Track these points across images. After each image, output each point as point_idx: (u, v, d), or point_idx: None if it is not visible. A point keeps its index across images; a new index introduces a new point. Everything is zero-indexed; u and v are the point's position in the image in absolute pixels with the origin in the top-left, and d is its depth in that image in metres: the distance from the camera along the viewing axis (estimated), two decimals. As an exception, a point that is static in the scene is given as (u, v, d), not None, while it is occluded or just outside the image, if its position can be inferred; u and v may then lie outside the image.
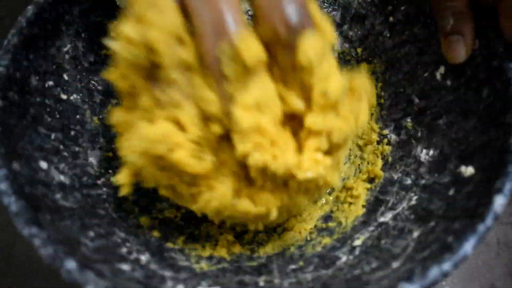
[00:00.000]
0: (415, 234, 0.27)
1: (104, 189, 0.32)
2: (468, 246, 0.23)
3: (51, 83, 0.32)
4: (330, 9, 0.43)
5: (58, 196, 0.27)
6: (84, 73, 0.35)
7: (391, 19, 0.39)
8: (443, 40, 0.33)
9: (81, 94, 0.35)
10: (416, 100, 0.36)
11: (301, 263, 0.29)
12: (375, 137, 0.38)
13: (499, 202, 0.24)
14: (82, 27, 0.35)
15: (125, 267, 0.25)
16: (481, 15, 0.31)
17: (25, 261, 0.39)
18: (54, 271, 0.39)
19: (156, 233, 0.31)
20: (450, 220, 0.26)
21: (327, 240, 0.32)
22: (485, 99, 0.30)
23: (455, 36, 0.31)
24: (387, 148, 0.37)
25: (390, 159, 0.36)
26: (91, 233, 0.26)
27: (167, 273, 0.26)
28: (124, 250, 0.27)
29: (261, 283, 0.27)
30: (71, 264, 0.21)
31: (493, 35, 0.30)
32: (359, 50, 0.41)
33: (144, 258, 0.27)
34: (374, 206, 0.33)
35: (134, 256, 0.27)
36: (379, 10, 0.39)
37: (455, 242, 0.23)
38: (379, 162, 0.36)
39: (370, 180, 0.36)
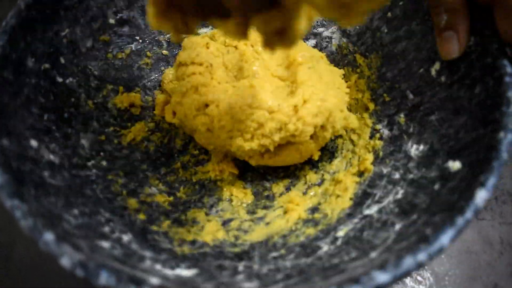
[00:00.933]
0: (397, 226, 0.27)
1: (94, 170, 0.32)
2: (445, 239, 0.22)
3: (47, 65, 0.33)
4: (330, 3, 0.43)
5: (46, 173, 0.28)
6: (81, 58, 0.36)
7: (389, 14, 0.38)
8: (437, 36, 0.33)
9: (77, 78, 0.35)
10: (411, 96, 0.36)
11: (282, 251, 0.30)
12: (367, 131, 0.38)
13: (481, 196, 0.24)
14: (80, 13, 0.36)
15: (105, 244, 0.25)
16: (476, 12, 0.30)
17: (25, 261, 0.39)
18: (54, 271, 0.40)
19: (141, 216, 0.32)
20: (432, 213, 0.26)
21: (311, 231, 0.32)
22: (477, 96, 0.30)
23: (449, 32, 0.31)
24: (379, 143, 0.36)
25: (381, 153, 0.36)
26: (75, 211, 0.27)
27: (147, 253, 0.27)
28: (106, 229, 0.27)
29: (240, 268, 0.27)
30: (49, 236, 0.21)
31: (488, 32, 0.30)
32: (356, 44, 0.41)
33: (126, 238, 0.28)
34: (361, 199, 0.33)
35: (116, 235, 0.27)
36: (378, 5, 0.39)
37: (432, 234, 0.23)
38: (370, 157, 0.36)
39: (360, 174, 0.36)
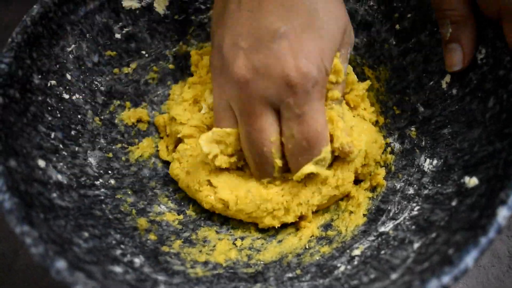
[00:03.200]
0: (416, 245, 0.27)
1: (102, 190, 0.32)
2: (469, 259, 0.22)
3: (53, 82, 0.32)
4: (336, 15, 0.42)
5: (54, 195, 0.27)
6: (87, 74, 0.35)
7: (397, 26, 0.38)
8: (443, 48, 0.32)
9: (83, 94, 0.35)
10: (421, 109, 0.35)
11: (298, 271, 0.29)
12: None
13: (503, 214, 0.23)
14: (87, 28, 0.35)
15: (118, 269, 0.24)
16: (488, 24, 0.30)
17: (28, 271, 0.38)
18: (55, 281, 0.39)
19: (152, 236, 0.31)
20: (452, 231, 0.25)
21: (325, 249, 0.31)
22: (491, 109, 0.29)
23: (452, 44, 0.31)
24: (390, 157, 0.36)
25: (393, 168, 0.35)
26: (85, 234, 0.26)
27: (161, 277, 0.26)
28: (118, 252, 0.26)
29: (256, 291, 0.26)
30: (61, 264, 0.21)
31: (500, 44, 0.29)
32: (364, 57, 0.41)
33: (138, 261, 0.27)
34: (375, 215, 0.32)
35: (128, 259, 0.26)
36: (386, 17, 0.39)
37: (455, 254, 0.22)
38: (382, 171, 0.35)
39: (372, 188, 0.35)
